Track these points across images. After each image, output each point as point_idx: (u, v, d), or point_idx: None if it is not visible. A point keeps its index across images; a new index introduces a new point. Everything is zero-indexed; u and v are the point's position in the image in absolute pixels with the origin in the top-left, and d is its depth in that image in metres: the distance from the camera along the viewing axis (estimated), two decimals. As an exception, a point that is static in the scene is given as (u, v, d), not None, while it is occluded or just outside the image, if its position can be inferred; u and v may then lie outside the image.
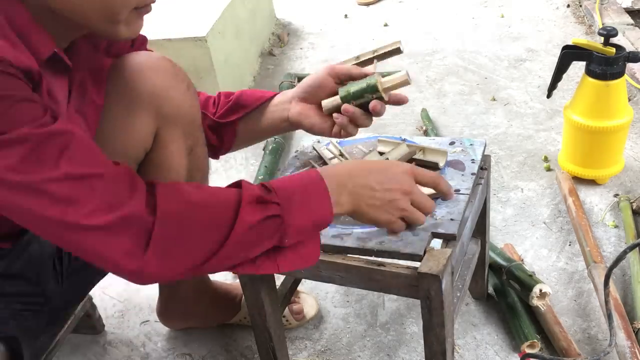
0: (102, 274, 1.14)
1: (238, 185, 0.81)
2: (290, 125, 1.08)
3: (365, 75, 0.98)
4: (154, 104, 0.99)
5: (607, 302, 1.11)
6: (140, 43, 1.08)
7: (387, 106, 0.98)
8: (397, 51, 1.02)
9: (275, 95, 1.10)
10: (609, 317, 1.11)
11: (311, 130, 1.05)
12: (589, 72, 1.53)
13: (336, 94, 1.00)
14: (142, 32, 1.10)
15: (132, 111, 0.99)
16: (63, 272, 1.04)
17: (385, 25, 2.83)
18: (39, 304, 1.00)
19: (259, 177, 1.70)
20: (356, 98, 0.97)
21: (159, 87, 0.99)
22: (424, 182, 0.88)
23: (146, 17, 1.05)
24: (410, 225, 0.87)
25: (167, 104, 1.00)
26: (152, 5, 0.83)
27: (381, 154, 1.07)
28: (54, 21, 0.78)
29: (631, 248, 1.09)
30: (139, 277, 0.75)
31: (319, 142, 1.14)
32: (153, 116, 1.00)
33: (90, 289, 1.16)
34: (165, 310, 1.33)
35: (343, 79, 1.01)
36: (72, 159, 0.71)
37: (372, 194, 0.84)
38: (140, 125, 1.00)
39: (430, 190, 0.92)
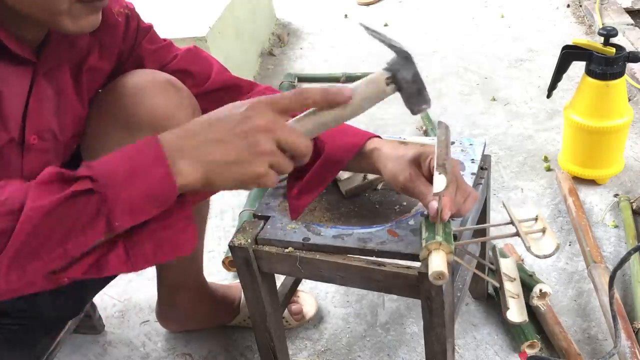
0: (99, 288, 1.12)
1: None
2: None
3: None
4: (156, 131, 0.96)
5: (611, 304, 1.11)
6: (144, 32, 0.99)
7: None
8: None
9: (368, 139, 0.94)
10: (614, 319, 1.10)
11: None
12: (589, 72, 1.53)
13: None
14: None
15: (133, 137, 0.95)
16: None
17: (386, 25, 2.83)
18: (27, 318, 0.96)
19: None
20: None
21: (160, 114, 0.92)
22: (290, 107, 0.68)
23: (146, 16, 1.02)
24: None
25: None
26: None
27: None
28: (7, 13, 0.73)
29: (635, 250, 1.08)
30: None
31: None
32: None
33: (86, 303, 1.15)
34: (164, 314, 1.33)
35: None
36: None
37: (221, 147, 0.65)
38: None
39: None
